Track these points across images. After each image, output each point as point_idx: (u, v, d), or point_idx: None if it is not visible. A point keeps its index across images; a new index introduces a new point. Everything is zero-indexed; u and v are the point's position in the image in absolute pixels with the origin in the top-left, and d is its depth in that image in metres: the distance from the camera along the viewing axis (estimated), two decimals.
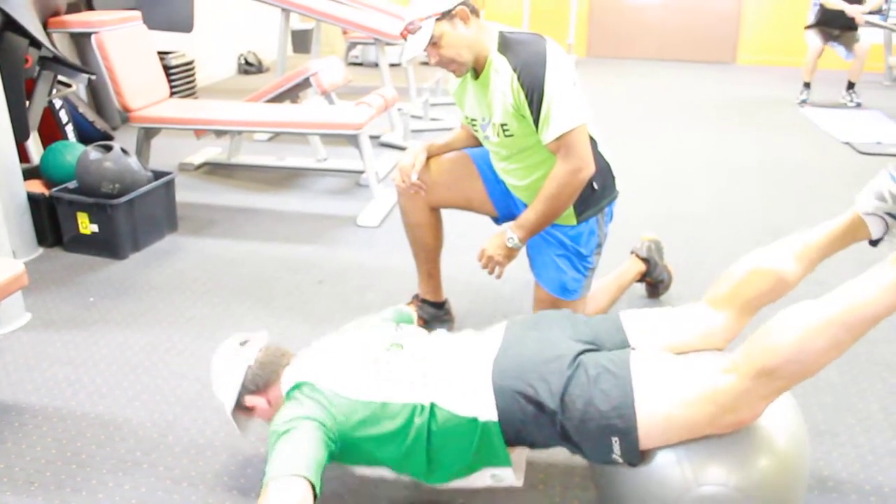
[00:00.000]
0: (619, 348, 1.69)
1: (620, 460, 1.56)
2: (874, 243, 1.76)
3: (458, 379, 1.69)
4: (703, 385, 1.49)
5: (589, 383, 1.56)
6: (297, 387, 1.75)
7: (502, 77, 2.18)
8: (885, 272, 1.41)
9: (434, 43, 2.16)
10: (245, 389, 1.83)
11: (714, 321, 1.72)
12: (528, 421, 1.61)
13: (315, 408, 1.67)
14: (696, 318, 1.74)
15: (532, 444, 1.69)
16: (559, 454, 2.05)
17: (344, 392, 1.70)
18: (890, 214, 1.71)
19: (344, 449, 1.67)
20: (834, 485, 1.94)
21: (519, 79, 2.15)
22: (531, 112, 2.16)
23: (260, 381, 1.84)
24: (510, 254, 2.29)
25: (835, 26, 6.43)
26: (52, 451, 2.06)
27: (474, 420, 1.63)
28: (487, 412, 1.63)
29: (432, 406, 1.65)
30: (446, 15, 2.15)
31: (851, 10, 6.25)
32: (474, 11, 2.20)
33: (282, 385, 1.81)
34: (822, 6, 6.43)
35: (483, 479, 1.71)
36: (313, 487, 1.49)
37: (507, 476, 1.69)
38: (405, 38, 2.21)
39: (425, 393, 1.67)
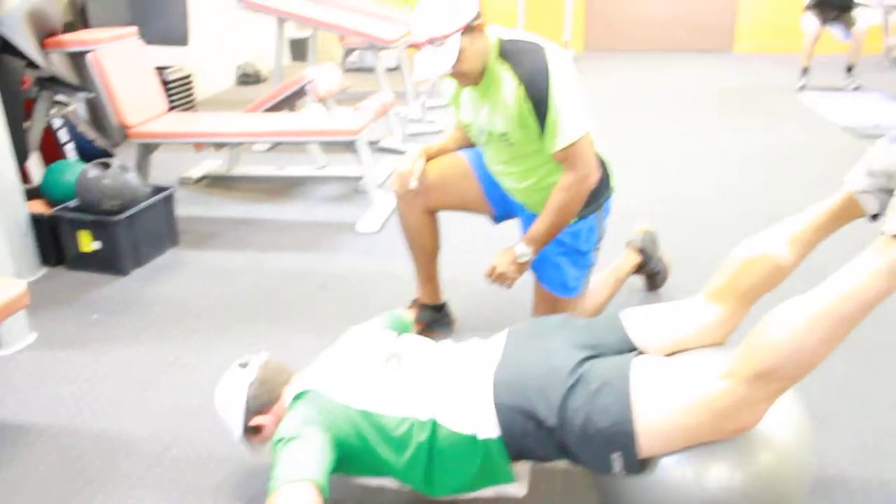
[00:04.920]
0: (622, 349, 1.68)
1: (623, 472, 1.55)
2: (874, 218, 1.69)
3: (459, 395, 1.68)
4: (702, 392, 1.47)
5: (589, 397, 1.54)
6: (299, 396, 1.75)
7: (505, 87, 2.17)
8: (871, 258, 1.39)
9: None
10: (250, 410, 1.83)
11: (713, 314, 1.69)
12: (528, 436, 1.60)
13: (317, 415, 1.67)
14: (696, 313, 1.72)
15: (535, 459, 1.68)
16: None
17: (344, 401, 1.70)
18: (883, 190, 1.66)
19: (346, 458, 1.67)
20: (836, 471, 1.94)
21: (524, 90, 2.13)
22: (536, 123, 2.16)
23: (264, 399, 1.83)
24: (522, 268, 2.29)
25: (832, 6, 6.39)
26: (58, 468, 2.08)
27: (473, 437, 1.62)
28: (488, 429, 1.62)
29: (433, 423, 1.64)
30: (468, 27, 2.10)
31: None
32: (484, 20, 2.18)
33: (285, 400, 1.82)
34: None
35: (486, 491, 1.70)
36: (322, 491, 1.49)
37: (510, 490, 1.69)
38: (418, 49, 2.14)
39: (426, 409, 1.66)
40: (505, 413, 1.62)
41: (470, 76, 2.20)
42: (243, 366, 1.90)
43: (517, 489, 1.70)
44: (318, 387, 1.75)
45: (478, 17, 2.12)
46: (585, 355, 1.64)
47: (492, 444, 1.62)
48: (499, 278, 2.29)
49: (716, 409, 1.45)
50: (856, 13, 6.38)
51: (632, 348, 1.69)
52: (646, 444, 1.51)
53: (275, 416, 1.83)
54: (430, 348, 1.89)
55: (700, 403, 1.46)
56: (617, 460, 1.53)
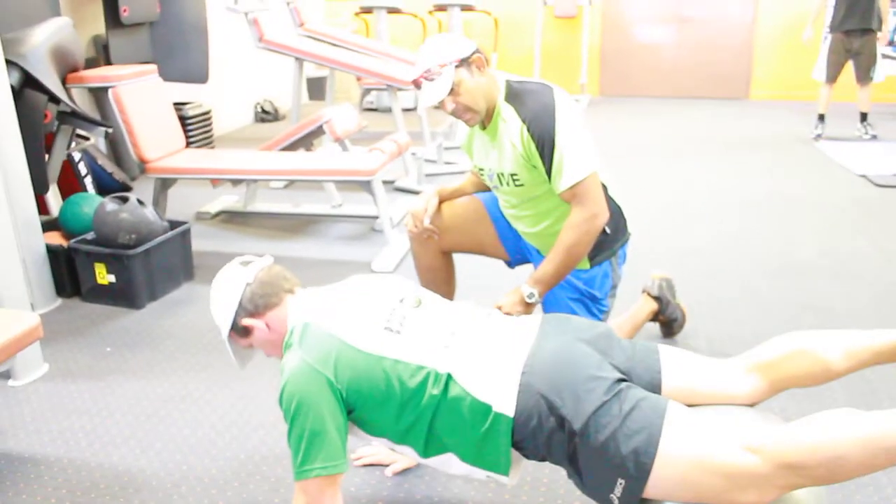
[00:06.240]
0: (650, 383, 1.65)
1: (616, 502, 1.52)
2: None
3: (484, 359, 1.62)
4: (724, 457, 1.43)
5: (620, 416, 1.51)
6: (301, 330, 1.66)
7: (511, 128, 2.19)
8: None
9: (452, 90, 2.15)
10: (243, 310, 1.74)
11: (745, 384, 1.66)
12: (541, 429, 1.55)
13: (324, 366, 1.58)
14: (728, 375, 1.68)
15: (531, 455, 1.62)
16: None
17: (354, 342, 1.62)
18: None
19: (349, 409, 1.61)
20: None
21: (529, 130, 2.15)
22: (543, 162, 2.17)
23: (259, 302, 1.74)
24: (528, 309, 2.25)
25: (854, 26, 6.15)
26: (66, 502, 2.06)
27: (488, 407, 1.57)
28: (504, 405, 1.56)
29: (448, 377, 1.58)
30: (465, 62, 2.15)
31: None
32: (486, 59, 2.23)
33: (286, 317, 1.73)
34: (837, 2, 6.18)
35: (479, 474, 1.65)
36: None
37: (501, 479, 1.64)
38: (418, 86, 2.20)
39: (444, 361, 1.60)
40: (529, 396, 1.56)
41: (473, 112, 2.21)
42: (244, 264, 1.81)
43: (509, 482, 1.65)
44: (324, 321, 1.66)
45: (475, 53, 2.17)
46: (620, 377, 1.60)
47: (502, 419, 1.57)
48: None
49: (733, 477, 1.42)
50: (878, 51, 6.26)
51: (657, 385, 1.66)
52: (653, 484, 1.48)
53: (268, 323, 1.75)
54: (453, 305, 1.80)
55: (720, 467, 1.43)
56: (619, 487, 1.50)
